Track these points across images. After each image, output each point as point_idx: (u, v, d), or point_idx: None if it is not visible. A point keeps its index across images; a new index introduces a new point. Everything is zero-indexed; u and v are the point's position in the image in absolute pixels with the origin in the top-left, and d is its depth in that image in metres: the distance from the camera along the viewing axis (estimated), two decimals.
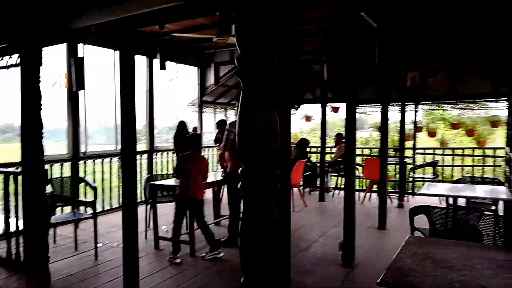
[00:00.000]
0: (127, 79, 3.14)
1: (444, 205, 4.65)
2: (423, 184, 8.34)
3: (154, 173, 6.96)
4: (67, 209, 5.41)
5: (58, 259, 4.04)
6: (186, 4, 2.69)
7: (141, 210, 4.26)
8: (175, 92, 9.04)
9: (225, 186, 4.81)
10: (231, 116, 10.19)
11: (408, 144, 7.64)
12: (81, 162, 5.97)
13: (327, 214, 6.29)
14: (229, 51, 8.72)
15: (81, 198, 5.63)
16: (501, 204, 4.70)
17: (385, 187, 5.75)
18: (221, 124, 6.47)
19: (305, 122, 10.07)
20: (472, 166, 7.65)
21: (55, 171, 5.60)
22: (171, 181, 4.76)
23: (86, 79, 5.33)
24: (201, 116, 9.21)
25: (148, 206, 4.86)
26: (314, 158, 8.88)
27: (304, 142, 8.54)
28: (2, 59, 3.35)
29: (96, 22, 2.22)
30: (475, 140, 7.97)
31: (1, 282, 3.32)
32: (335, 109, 9.13)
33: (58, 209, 5.32)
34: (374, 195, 6.96)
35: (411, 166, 7.51)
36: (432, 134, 8.35)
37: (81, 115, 5.97)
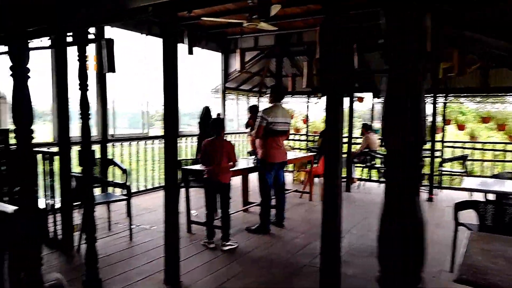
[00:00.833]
0: (171, 65, 3.10)
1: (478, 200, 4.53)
2: (451, 178, 8.26)
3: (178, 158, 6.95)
4: (96, 190, 5.44)
5: None
6: None
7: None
8: (195, 78, 8.98)
9: (256, 173, 4.76)
10: (259, 103, 10.08)
11: (437, 137, 7.48)
12: (108, 145, 5.99)
13: (356, 205, 6.22)
14: (254, 37, 8.60)
15: (109, 179, 5.66)
16: None
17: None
18: (253, 109, 6.39)
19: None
20: (503, 161, 7.47)
21: None
22: (197, 166, 4.77)
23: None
24: (224, 102, 9.16)
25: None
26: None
27: None
28: (41, 40, 3.29)
29: (153, 2, 2.14)
30: (506, 134, 7.76)
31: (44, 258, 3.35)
32: (360, 99, 8.99)
33: None
34: None
35: (439, 159, 7.37)
36: (461, 127, 8.16)
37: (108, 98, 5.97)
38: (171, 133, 3.19)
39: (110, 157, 5.91)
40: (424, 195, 6.55)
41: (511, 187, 4.27)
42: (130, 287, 3.12)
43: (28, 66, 1.83)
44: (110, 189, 5.22)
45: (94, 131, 5.88)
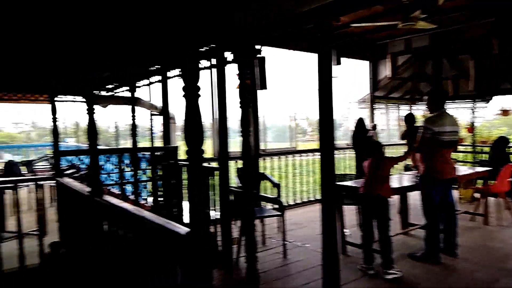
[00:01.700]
0: (326, 80, 2.91)
1: None
2: None
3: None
4: None
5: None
6: None
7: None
8: (339, 88, 8.70)
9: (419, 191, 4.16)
10: (412, 110, 9.19)
11: None
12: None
13: None
14: (404, 39, 7.84)
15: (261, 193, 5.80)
16: None
17: None
18: (409, 119, 5.75)
19: (501, 116, 8.35)
20: None
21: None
22: (349, 182, 4.49)
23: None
24: (372, 112, 8.60)
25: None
26: None
27: (503, 141, 7.02)
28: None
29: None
30: None
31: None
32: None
33: None
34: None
35: None
36: None
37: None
38: (327, 147, 2.98)
39: (261, 171, 6.07)
40: None
41: None
42: None
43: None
44: (262, 203, 5.32)
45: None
